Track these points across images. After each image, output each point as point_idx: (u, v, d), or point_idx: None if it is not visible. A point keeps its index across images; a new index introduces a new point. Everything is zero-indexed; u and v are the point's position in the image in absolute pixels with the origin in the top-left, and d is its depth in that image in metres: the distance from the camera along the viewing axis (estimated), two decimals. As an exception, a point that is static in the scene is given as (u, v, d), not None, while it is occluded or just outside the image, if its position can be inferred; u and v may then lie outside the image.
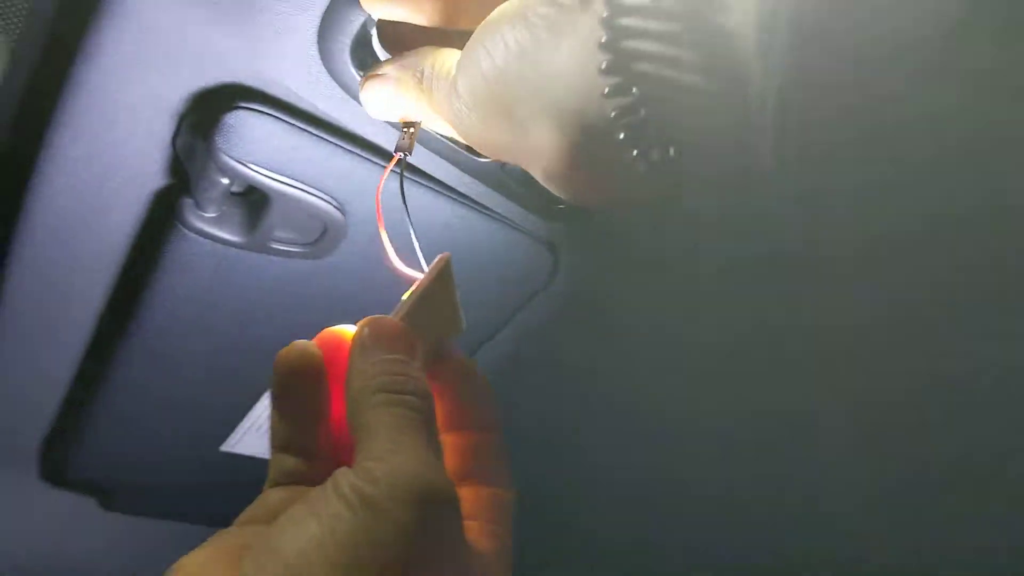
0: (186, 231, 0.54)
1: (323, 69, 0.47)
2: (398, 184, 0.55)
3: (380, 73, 0.39)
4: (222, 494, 0.80)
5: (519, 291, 0.68)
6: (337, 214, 0.55)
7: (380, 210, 0.39)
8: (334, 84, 0.47)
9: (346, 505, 0.27)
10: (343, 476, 0.29)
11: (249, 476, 0.78)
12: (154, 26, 0.47)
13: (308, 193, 0.53)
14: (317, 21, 0.45)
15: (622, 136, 0.29)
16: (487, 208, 0.60)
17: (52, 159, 0.52)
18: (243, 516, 0.34)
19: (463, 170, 0.55)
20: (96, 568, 0.86)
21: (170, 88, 0.50)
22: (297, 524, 0.28)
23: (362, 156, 0.53)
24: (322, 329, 0.65)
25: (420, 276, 0.37)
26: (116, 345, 0.63)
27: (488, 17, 0.32)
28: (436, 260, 0.36)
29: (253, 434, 0.73)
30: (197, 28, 0.46)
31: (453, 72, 0.34)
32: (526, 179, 0.55)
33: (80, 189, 0.54)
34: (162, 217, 0.55)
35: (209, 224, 0.54)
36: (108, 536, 0.85)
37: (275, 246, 0.56)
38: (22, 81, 0.52)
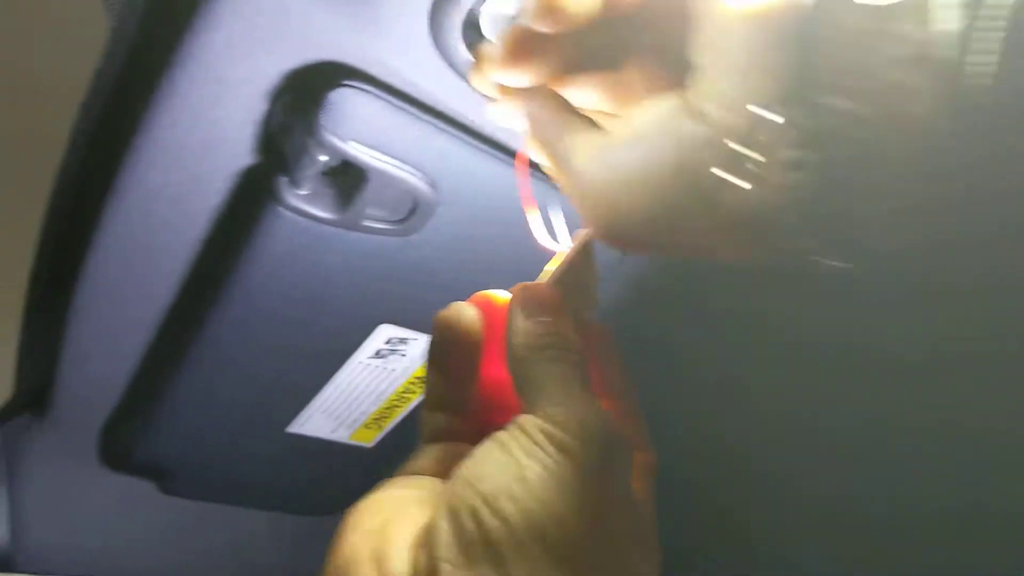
0: (280, 208, 0.55)
1: (433, 49, 0.48)
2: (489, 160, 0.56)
3: (513, 94, 0.38)
4: (285, 477, 0.81)
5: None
6: (429, 191, 0.56)
7: (527, 185, 0.40)
8: (444, 64, 0.48)
9: (539, 447, 0.29)
10: (529, 422, 0.30)
11: (310, 459, 0.79)
12: (259, 5, 0.47)
13: (404, 170, 0.54)
14: (429, 1, 0.46)
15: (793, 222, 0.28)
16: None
17: (147, 134, 0.53)
18: (403, 470, 0.35)
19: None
20: (154, 552, 0.87)
21: (273, 66, 0.51)
22: (492, 464, 0.29)
23: (457, 135, 0.54)
24: (407, 311, 0.66)
25: (561, 249, 0.38)
26: (195, 323, 0.64)
27: (634, 127, 0.32)
28: (578, 235, 0.38)
29: (321, 415, 0.74)
30: (304, 6, 0.47)
31: (594, 175, 0.33)
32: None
33: (173, 164, 0.55)
34: (255, 194, 0.56)
35: (303, 201, 0.55)
36: (167, 519, 0.85)
37: (366, 223, 0.57)
38: (121, 57, 0.53)
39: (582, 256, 0.37)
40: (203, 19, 0.48)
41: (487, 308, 0.37)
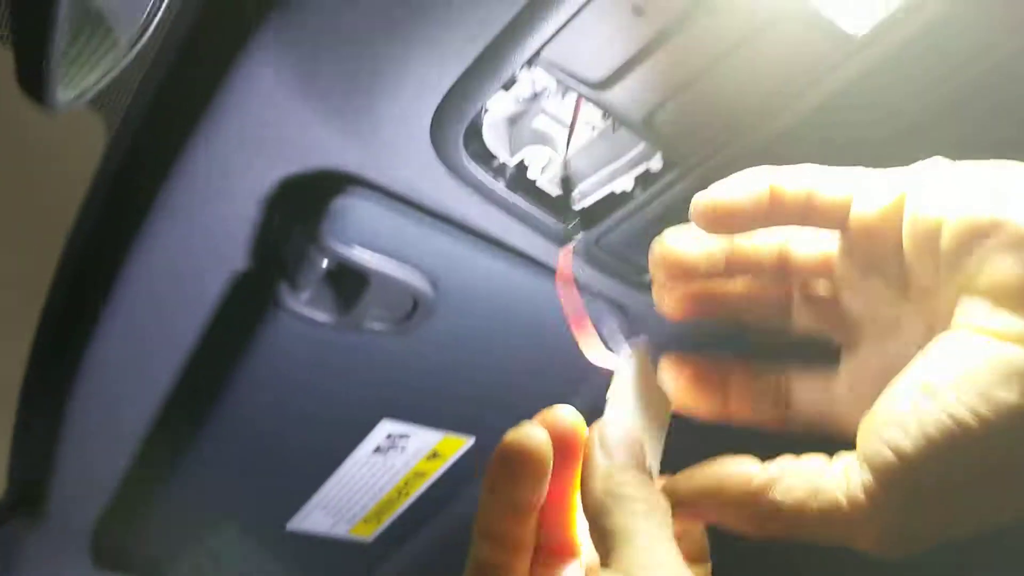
0: (280, 312, 0.55)
1: (435, 157, 0.48)
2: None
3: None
4: (284, 573, 0.79)
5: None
6: (430, 290, 0.55)
7: (572, 301, 0.38)
8: (445, 171, 0.48)
9: None
10: None
11: (309, 554, 0.78)
12: (259, 115, 0.48)
13: (405, 272, 0.54)
14: (431, 111, 0.46)
15: None
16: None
17: (144, 240, 0.53)
18: None
19: (552, 243, 0.56)
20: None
21: (272, 174, 0.51)
22: None
23: (458, 236, 0.54)
24: (407, 406, 0.64)
25: (616, 366, 0.36)
26: (192, 422, 0.63)
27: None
28: (631, 346, 0.35)
29: (320, 511, 0.72)
30: (307, 119, 0.48)
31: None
32: (616, 250, 0.55)
33: (169, 270, 0.55)
34: (254, 298, 0.55)
35: (303, 305, 0.55)
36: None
37: (367, 324, 0.57)
38: (117, 166, 0.53)
39: (641, 372, 0.35)
40: (201, 129, 0.48)
41: (554, 429, 0.33)
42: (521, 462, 0.31)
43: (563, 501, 0.33)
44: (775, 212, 0.31)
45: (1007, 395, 0.23)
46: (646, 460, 0.32)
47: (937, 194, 0.27)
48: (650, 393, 0.35)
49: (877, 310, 0.31)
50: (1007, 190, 0.26)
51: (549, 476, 0.31)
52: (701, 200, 0.32)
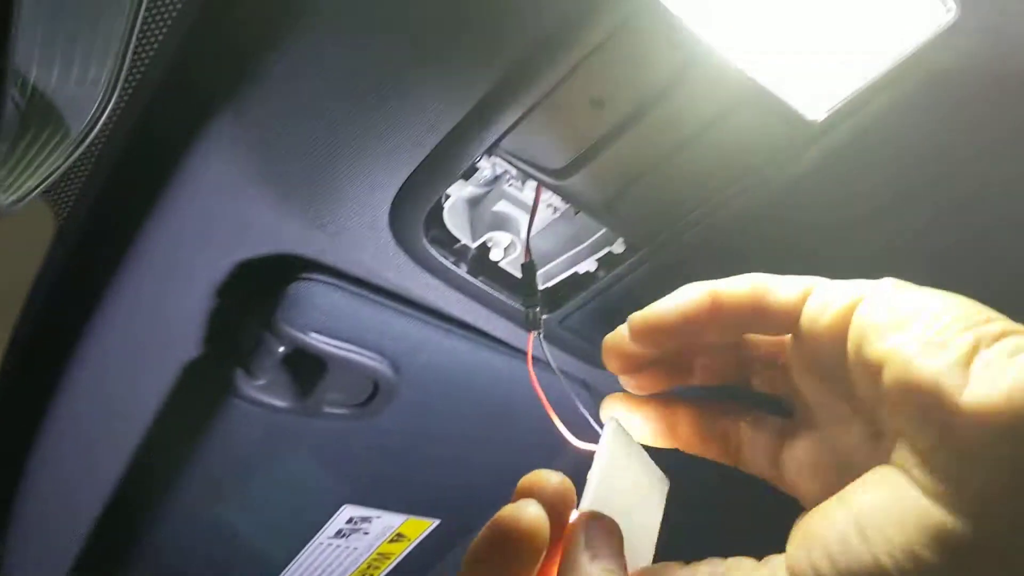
0: (236, 400, 0.53)
1: (395, 243, 0.47)
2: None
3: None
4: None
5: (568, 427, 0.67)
6: (391, 374, 0.54)
7: (542, 394, 0.37)
8: (406, 256, 0.47)
9: None
10: None
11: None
12: (217, 203, 0.47)
13: (364, 356, 0.53)
14: (390, 199, 0.45)
15: None
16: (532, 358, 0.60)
17: (94, 328, 0.51)
18: None
19: (516, 324, 0.55)
20: None
21: (225, 260, 0.50)
22: None
23: (419, 318, 0.53)
24: (369, 490, 0.62)
25: (594, 447, 0.33)
26: (147, 509, 0.60)
27: None
28: (606, 428, 0.34)
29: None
30: (263, 204, 0.47)
31: None
32: (581, 331, 0.55)
33: (124, 358, 0.53)
34: (210, 385, 0.54)
35: (260, 391, 0.53)
36: None
37: (326, 409, 0.55)
38: (69, 250, 0.51)
39: (621, 451, 0.33)
40: (154, 215, 0.47)
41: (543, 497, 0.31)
42: (508, 537, 0.29)
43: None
44: (717, 320, 0.31)
45: (930, 556, 0.23)
46: (624, 555, 0.31)
47: (883, 329, 0.27)
48: (640, 471, 0.34)
49: (826, 402, 0.31)
50: (952, 344, 0.25)
51: (539, 554, 0.29)
52: (636, 320, 0.32)
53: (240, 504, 0.62)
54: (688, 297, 0.31)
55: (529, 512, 0.29)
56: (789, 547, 0.27)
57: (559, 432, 0.36)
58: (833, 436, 0.31)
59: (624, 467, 0.33)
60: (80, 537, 0.65)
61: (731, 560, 0.28)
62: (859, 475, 0.27)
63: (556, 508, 0.30)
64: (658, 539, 0.34)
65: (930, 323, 0.26)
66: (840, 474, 0.28)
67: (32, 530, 0.64)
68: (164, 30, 0.56)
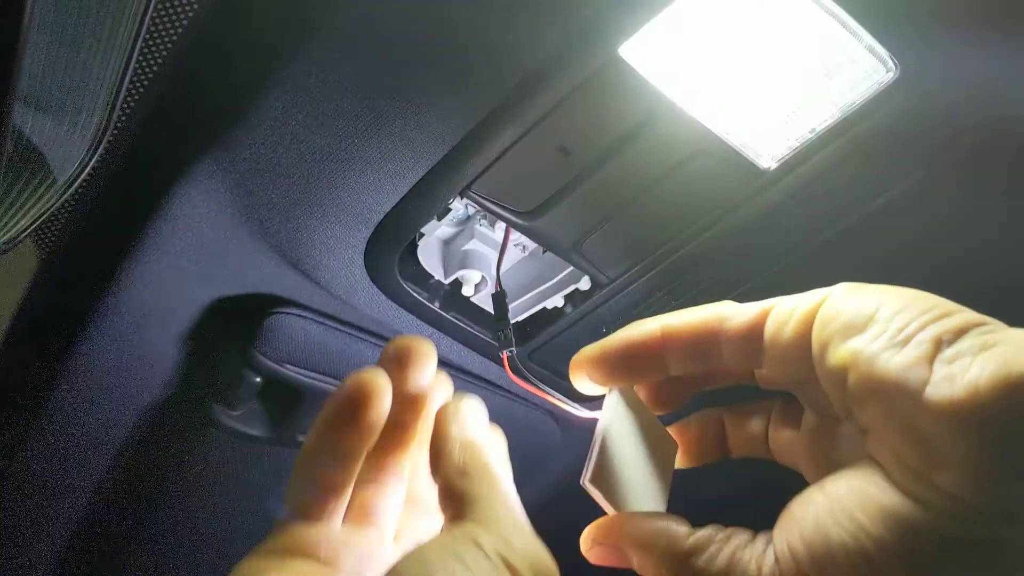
0: (212, 430, 0.54)
1: (369, 281, 0.49)
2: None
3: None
4: None
5: (536, 455, 0.69)
6: (365, 406, 0.56)
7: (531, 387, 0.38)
8: (380, 293, 0.49)
9: (493, 569, 0.26)
10: (486, 538, 0.27)
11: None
12: (196, 241, 0.48)
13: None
14: (365, 239, 0.47)
15: None
16: (503, 390, 0.62)
17: (73, 362, 0.52)
18: (266, 548, 0.31)
19: (490, 360, 0.57)
20: None
21: (208, 295, 0.51)
22: (434, 569, 0.26)
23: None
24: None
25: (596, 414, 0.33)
26: (124, 539, 0.61)
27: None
28: (609, 394, 0.33)
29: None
30: (241, 243, 0.48)
31: None
32: (549, 363, 0.56)
33: (102, 392, 0.54)
34: (186, 417, 0.55)
35: (236, 422, 0.54)
36: None
37: (300, 438, 0.56)
38: (49, 287, 0.52)
39: (639, 413, 0.34)
40: (134, 253, 0.48)
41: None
42: (349, 406, 0.29)
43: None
44: (674, 350, 0.31)
45: (892, 541, 0.25)
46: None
47: (843, 333, 0.28)
48: (648, 430, 0.34)
49: (814, 406, 0.32)
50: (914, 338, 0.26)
51: (379, 425, 0.29)
52: (582, 354, 0.32)
53: (215, 536, 0.62)
54: (638, 330, 0.32)
55: (370, 373, 0.29)
56: (775, 528, 0.29)
57: (560, 410, 0.35)
58: (831, 425, 0.31)
59: (629, 424, 0.33)
60: (54, 565, 0.66)
61: (731, 528, 0.30)
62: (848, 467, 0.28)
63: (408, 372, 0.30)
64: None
65: (889, 321, 0.26)
66: (834, 468, 0.29)
67: (4, 560, 0.64)
68: (155, 69, 0.58)
